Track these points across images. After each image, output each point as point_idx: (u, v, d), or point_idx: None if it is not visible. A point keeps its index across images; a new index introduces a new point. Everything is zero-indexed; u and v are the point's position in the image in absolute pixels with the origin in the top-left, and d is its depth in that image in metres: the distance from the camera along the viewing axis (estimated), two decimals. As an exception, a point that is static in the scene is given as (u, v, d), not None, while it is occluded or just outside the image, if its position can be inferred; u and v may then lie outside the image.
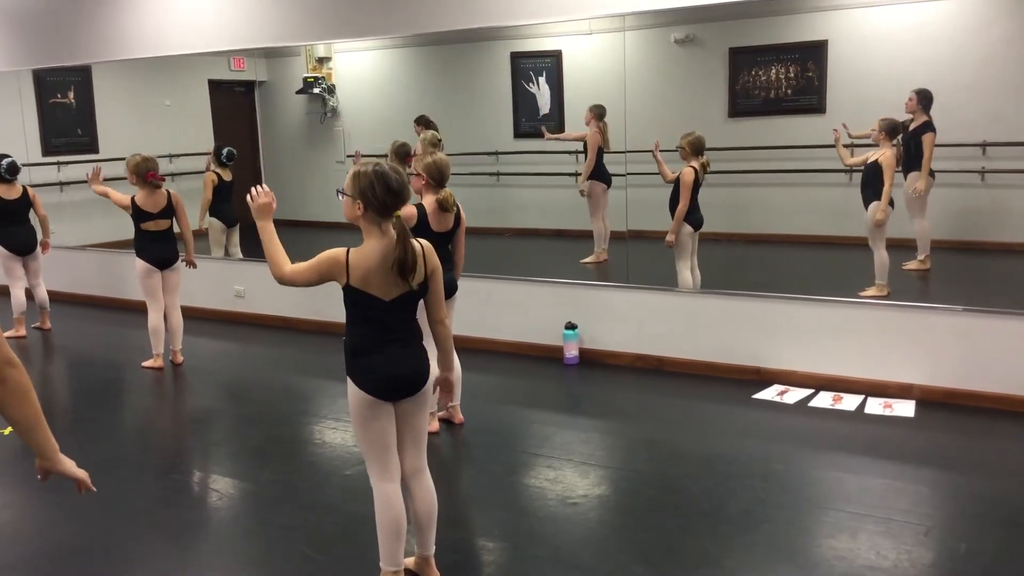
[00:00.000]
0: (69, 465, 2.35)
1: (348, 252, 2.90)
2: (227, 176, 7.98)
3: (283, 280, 3.00)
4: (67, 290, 8.76)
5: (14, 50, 8.68)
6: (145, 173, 6.02)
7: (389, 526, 3.05)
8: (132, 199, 6.10)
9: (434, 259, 3.01)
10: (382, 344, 2.95)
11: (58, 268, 8.83)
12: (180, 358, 6.34)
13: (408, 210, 4.30)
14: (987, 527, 3.61)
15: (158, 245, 6.16)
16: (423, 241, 3.01)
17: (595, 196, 7.42)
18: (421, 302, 3.06)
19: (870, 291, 5.80)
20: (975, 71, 6.58)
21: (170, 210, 6.15)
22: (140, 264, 6.16)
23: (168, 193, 6.14)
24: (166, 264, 6.20)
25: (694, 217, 6.15)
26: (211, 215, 7.97)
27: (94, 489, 2.48)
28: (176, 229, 6.25)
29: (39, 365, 6.78)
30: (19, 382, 2.06)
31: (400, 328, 2.98)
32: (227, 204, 8.00)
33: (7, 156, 7.41)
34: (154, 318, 6.20)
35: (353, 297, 2.93)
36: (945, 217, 6.43)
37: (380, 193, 2.83)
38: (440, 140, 5.80)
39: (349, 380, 2.99)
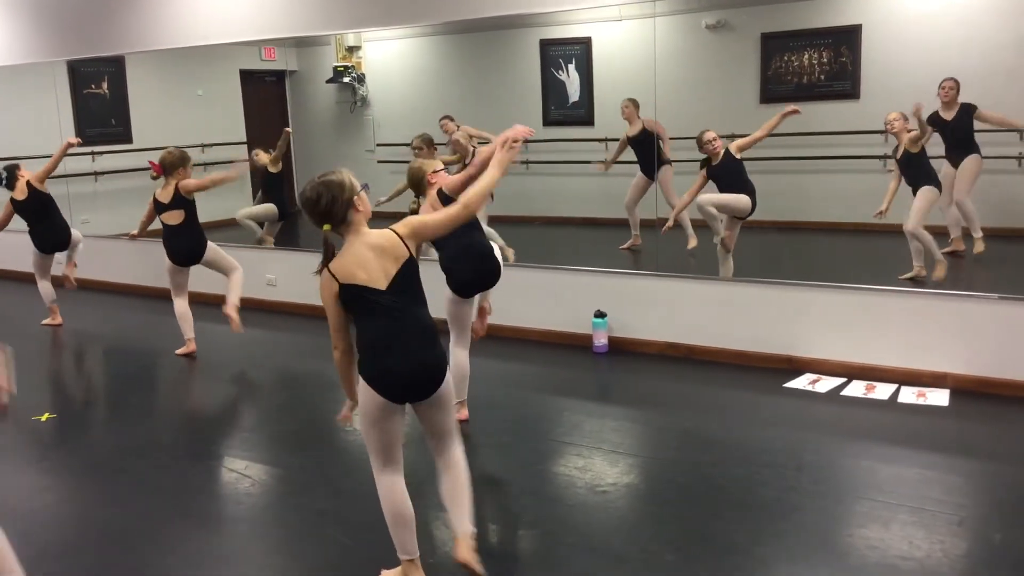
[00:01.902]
0: None
1: (327, 267, 2.93)
2: (275, 168, 8.08)
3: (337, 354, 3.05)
4: (102, 278, 8.88)
5: (49, 41, 8.79)
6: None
7: (391, 517, 3.06)
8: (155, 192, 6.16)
9: (409, 230, 2.97)
10: (383, 344, 2.92)
11: (93, 257, 8.95)
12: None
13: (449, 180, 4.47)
14: (1022, 517, 3.57)
15: (175, 240, 6.13)
16: (382, 230, 2.96)
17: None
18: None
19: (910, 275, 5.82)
20: (1012, 54, 6.47)
21: (179, 201, 6.02)
22: (165, 259, 6.23)
23: (176, 184, 6.02)
24: (187, 260, 6.16)
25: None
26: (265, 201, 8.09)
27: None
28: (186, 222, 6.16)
29: (74, 353, 6.89)
30: None
31: (404, 319, 2.93)
32: (281, 196, 8.13)
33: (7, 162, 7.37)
34: (179, 305, 6.26)
35: (344, 300, 2.92)
36: (982, 203, 6.33)
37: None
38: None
39: (360, 379, 2.97)
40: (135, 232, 6.85)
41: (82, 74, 9.33)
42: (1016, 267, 5.94)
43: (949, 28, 6.82)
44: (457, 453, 3.14)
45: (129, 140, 9.37)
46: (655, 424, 4.88)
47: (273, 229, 8.47)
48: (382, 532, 3.57)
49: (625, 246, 7.47)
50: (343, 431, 4.96)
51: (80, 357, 6.78)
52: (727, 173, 6.25)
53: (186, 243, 6.13)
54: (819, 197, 7.50)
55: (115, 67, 9.26)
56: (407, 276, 2.92)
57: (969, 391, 4.98)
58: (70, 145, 7.10)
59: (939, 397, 4.92)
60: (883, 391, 5.04)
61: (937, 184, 5.98)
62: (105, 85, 9.48)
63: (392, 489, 3.05)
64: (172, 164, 6.01)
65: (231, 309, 6.10)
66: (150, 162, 6.12)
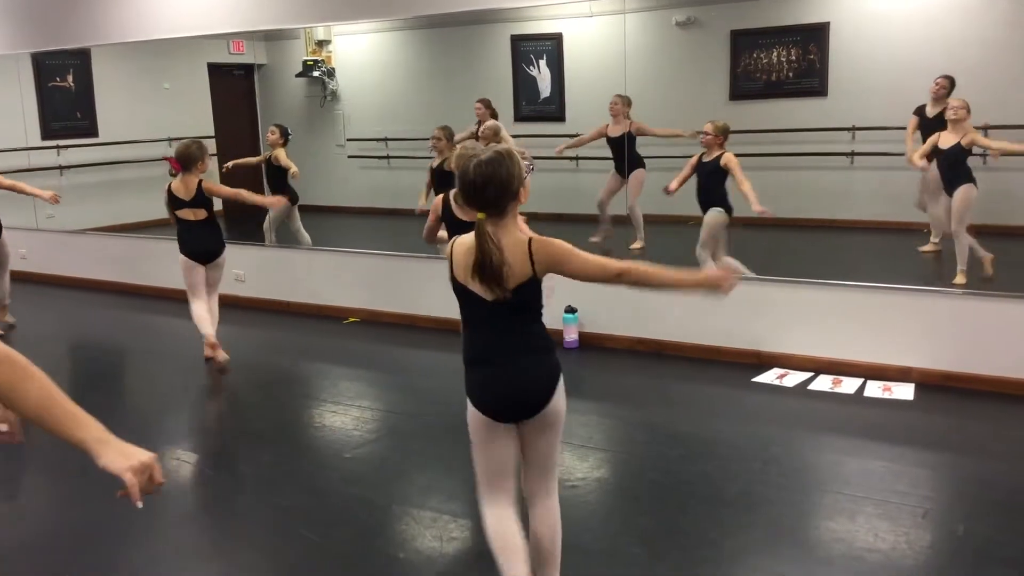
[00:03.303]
0: (120, 460, 1.84)
1: (454, 240, 2.64)
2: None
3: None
4: (67, 274, 8.77)
5: (12, 33, 8.66)
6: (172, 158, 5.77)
7: (498, 550, 2.69)
8: (168, 185, 5.77)
9: (536, 257, 2.54)
10: (484, 358, 2.64)
11: (58, 252, 8.84)
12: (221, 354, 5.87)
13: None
14: (985, 509, 3.62)
15: (194, 236, 5.80)
16: (522, 239, 2.57)
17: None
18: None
19: (959, 279, 5.68)
20: (978, 53, 6.56)
21: (201, 199, 5.73)
22: (181, 258, 5.84)
23: (200, 181, 5.73)
24: (206, 258, 5.85)
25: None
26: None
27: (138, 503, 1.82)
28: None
29: (37, 350, 6.79)
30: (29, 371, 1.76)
31: (509, 333, 2.61)
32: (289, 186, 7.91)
33: None
34: (197, 307, 5.85)
35: (455, 291, 2.64)
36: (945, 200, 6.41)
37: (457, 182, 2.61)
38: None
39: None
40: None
41: (47, 67, 9.19)
42: (980, 263, 6.00)
43: (916, 26, 6.91)
44: (552, 504, 2.77)
45: (95, 134, 9.26)
46: (625, 419, 4.90)
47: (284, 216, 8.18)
48: (351, 529, 3.57)
49: (595, 239, 7.48)
50: (313, 428, 4.94)
51: (43, 353, 6.68)
52: (706, 174, 6.06)
53: (208, 240, 5.84)
54: (787, 193, 7.56)
55: (80, 60, 9.14)
56: (531, 287, 2.56)
57: (934, 385, 5.04)
58: (47, 198, 6.76)
59: (904, 391, 4.98)
60: (849, 385, 5.10)
61: (975, 181, 5.82)
62: (70, 78, 9.36)
63: (496, 525, 2.70)
64: (192, 158, 5.69)
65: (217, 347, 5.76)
66: (167, 159, 5.82)
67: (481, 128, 6.82)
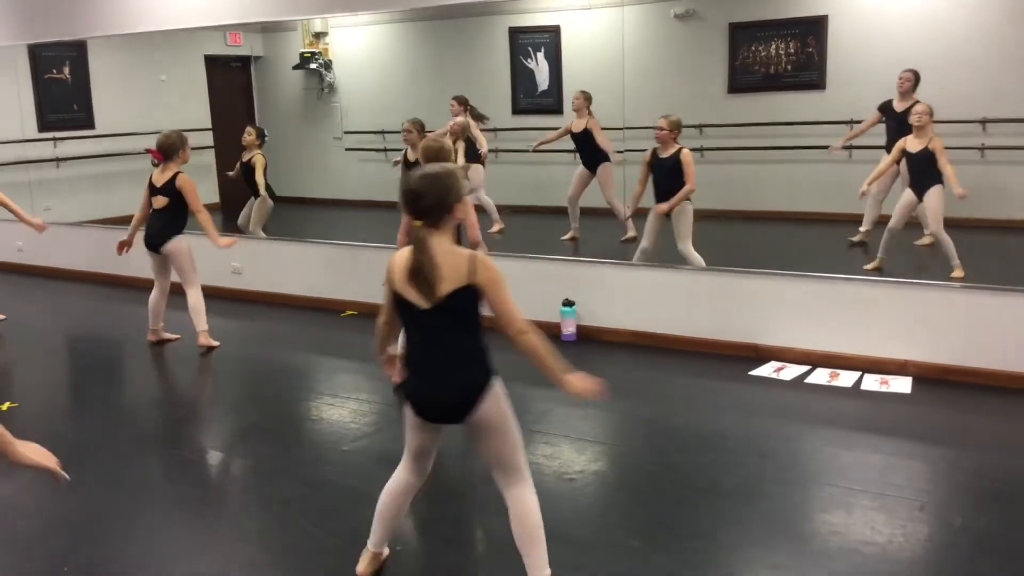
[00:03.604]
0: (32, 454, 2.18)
1: (393, 255, 2.83)
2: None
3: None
4: (63, 266, 8.75)
5: (8, 25, 8.62)
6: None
7: (379, 505, 3.05)
8: (151, 175, 5.98)
9: (477, 270, 2.72)
10: (417, 362, 2.82)
11: (54, 244, 8.82)
12: (163, 336, 6.25)
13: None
14: (982, 502, 3.63)
15: (150, 223, 6.01)
16: (461, 251, 2.76)
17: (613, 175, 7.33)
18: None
19: (957, 273, 5.70)
20: (976, 47, 6.56)
21: (169, 188, 5.88)
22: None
23: (177, 173, 5.87)
24: (149, 246, 6.00)
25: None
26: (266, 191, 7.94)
27: (65, 476, 2.31)
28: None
29: (36, 341, 6.78)
30: None
31: (440, 343, 2.78)
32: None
33: None
34: (152, 295, 6.14)
35: (393, 302, 2.82)
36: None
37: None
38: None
39: None
40: (126, 240, 6.23)
41: (43, 59, 9.17)
42: (978, 257, 6.02)
43: (914, 20, 6.90)
44: (518, 493, 2.91)
45: (91, 126, 9.23)
46: (622, 412, 4.90)
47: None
48: (348, 521, 3.56)
49: (567, 237, 7.49)
50: (311, 420, 4.94)
51: (42, 346, 6.67)
52: (668, 170, 6.05)
53: (155, 228, 5.97)
54: (785, 186, 7.57)
55: (77, 52, 9.11)
56: (464, 298, 2.73)
57: (931, 379, 5.04)
58: (35, 226, 6.84)
59: (902, 384, 4.98)
60: (847, 379, 5.10)
61: (942, 182, 5.87)
62: (67, 70, 9.33)
63: (394, 480, 3.02)
64: (171, 148, 5.87)
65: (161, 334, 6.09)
66: (148, 150, 5.95)
67: (450, 124, 6.88)
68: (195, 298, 6.07)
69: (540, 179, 8.65)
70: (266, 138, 7.89)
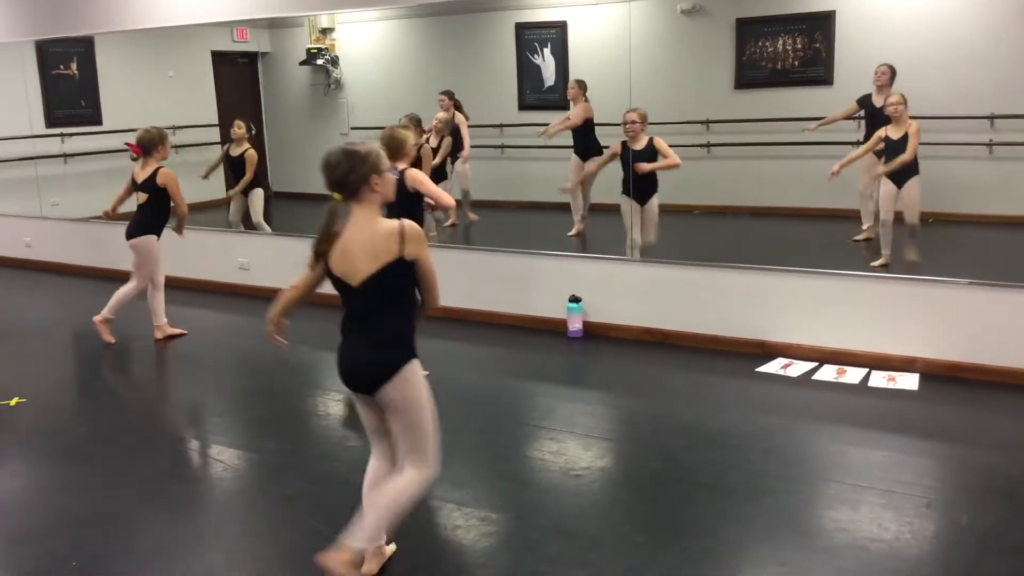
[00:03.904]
0: None
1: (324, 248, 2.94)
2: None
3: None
4: (71, 262, 8.78)
5: (16, 21, 8.64)
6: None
7: (363, 499, 3.11)
8: (132, 171, 6.08)
9: (406, 243, 2.80)
10: (345, 332, 2.95)
11: (62, 240, 8.85)
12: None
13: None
14: (989, 499, 3.62)
15: (133, 216, 6.13)
16: (389, 225, 2.83)
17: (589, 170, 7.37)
18: None
19: (883, 261, 5.87)
20: (984, 43, 6.53)
21: (149, 184, 5.95)
22: None
23: (157, 169, 5.95)
24: (126, 237, 6.13)
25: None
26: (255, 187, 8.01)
27: None
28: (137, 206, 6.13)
29: (44, 337, 6.80)
30: None
31: (366, 318, 2.89)
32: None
33: None
34: (129, 287, 6.23)
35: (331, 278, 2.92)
36: (951, 190, 6.40)
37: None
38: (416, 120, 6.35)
39: None
40: (108, 209, 6.46)
41: (51, 55, 9.18)
42: (985, 253, 6.00)
43: (922, 15, 6.87)
44: (406, 472, 2.96)
45: (99, 122, 9.24)
46: (628, 408, 4.90)
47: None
48: (351, 517, 3.57)
49: (572, 233, 7.48)
50: (316, 416, 4.95)
51: (50, 341, 6.69)
52: (650, 162, 6.16)
53: (135, 218, 6.10)
54: (792, 182, 7.54)
55: (84, 47, 9.12)
56: (387, 277, 2.82)
57: (939, 375, 5.03)
58: None
59: (909, 381, 4.97)
60: (854, 375, 5.09)
61: (919, 172, 5.95)
62: (74, 66, 9.34)
63: (367, 470, 3.13)
64: (151, 143, 5.94)
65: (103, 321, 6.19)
66: (128, 144, 6.04)
67: (435, 121, 6.93)
68: (128, 289, 6.19)
69: (546, 175, 8.64)
70: (252, 132, 7.98)
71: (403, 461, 2.99)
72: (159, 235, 6.13)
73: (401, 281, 2.87)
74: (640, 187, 6.16)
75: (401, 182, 4.65)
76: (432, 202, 4.80)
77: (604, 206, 7.47)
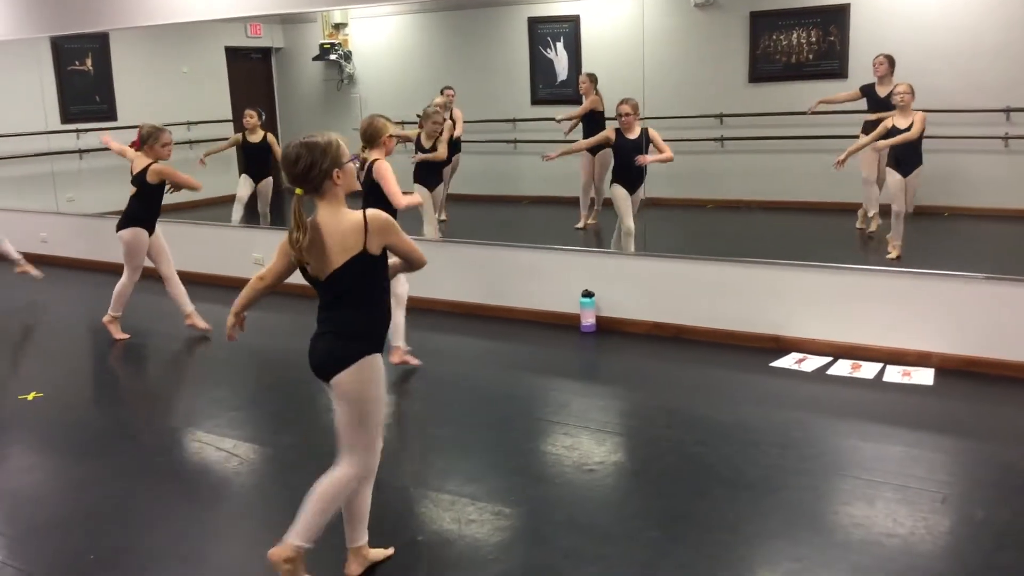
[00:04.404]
0: None
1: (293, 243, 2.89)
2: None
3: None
4: (87, 257, 8.83)
5: (31, 17, 8.69)
6: None
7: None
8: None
9: (370, 233, 2.77)
10: (317, 322, 2.94)
11: (78, 236, 8.90)
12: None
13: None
14: (1005, 494, 3.61)
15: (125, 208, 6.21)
16: (352, 217, 2.79)
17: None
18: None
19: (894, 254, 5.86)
20: (999, 35, 6.48)
21: (139, 179, 6.00)
22: None
23: (150, 163, 5.98)
24: (117, 228, 6.22)
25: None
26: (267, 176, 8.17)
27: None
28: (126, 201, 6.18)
29: (61, 332, 6.85)
30: None
31: (332, 309, 2.89)
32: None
33: None
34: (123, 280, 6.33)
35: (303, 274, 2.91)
36: (967, 184, 6.36)
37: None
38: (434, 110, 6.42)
39: None
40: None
41: (66, 51, 9.23)
42: (1001, 247, 5.97)
43: (937, 8, 6.83)
44: (339, 466, 2.98)
45: (114, 117, 9.29)
46: (642, 403, 4.90)
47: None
48: (369, 511, 3.58)
49: (580, 226, 7.49)
50: (331, 411, 4.95)
51: (67, 336, 6.74)
52: (636, 153, 6.20)
53: (123, 212, 6.19)
54: (807, 176, 7.51)
55: (99, 44, 9.16)
56: (352, 272, 2.79)
57: (954, 370, 5.01)
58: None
59: (924, 376, 4.95)
60: (869, 370, 5.07)
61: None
62: (89, 62, 9.39)
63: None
64: (146, 137, 6.00)
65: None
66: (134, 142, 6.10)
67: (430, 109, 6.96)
68: (123, 283, 6.28)
69: (559, 169, 8.63)
70: (263, 119, 8.15)
71: (340, 455, 2.99)
72: (149, 229, 6.16)
73: (367, 274, 2.83)
74: (635, 177, 6.21)
75: (369, 173, 4.69)
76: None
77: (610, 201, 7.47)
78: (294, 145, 2.76)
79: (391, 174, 4.72)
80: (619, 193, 6.30)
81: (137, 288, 6.39)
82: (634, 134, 6.16)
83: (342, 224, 2.78)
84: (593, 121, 7.46)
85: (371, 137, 4.73)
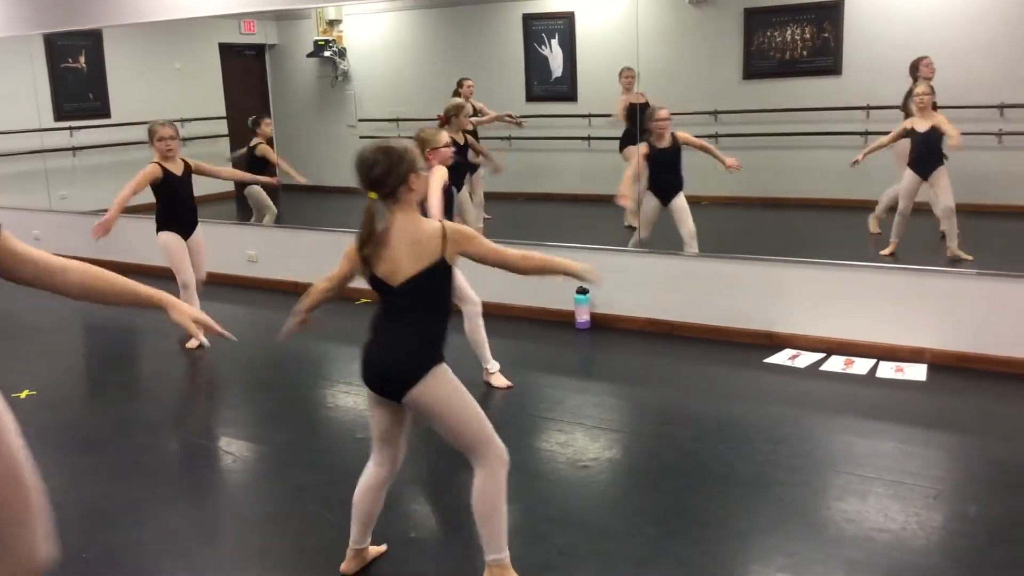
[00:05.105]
0: (187, 308, 2.41)
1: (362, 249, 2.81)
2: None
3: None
4: (80, 255, 8.80)
5: (25, 14, 8.66)
6: None
7: (353, 500, 3.06)
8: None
9: (448, 243, 2.74)
10: (376, 329, 2.85)
11: (71, 233, 8.88)
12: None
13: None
14: (997, 490, 3.62)
15: None
16: (430, 225, 2.77)
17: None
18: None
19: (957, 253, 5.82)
20: (994, 31, 6.49)
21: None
22: None
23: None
24: None
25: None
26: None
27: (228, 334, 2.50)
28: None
29: (54, 330, 6.84)
30: (83, 267, 2.27)
31: (400, 318, 2.80)
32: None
33: None
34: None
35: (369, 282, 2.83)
36: (961, 180, 6.36)
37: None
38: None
39: None
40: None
41: (59, 48, 9.20)
42: (994, 243, 5.98)
43: (931, 5, 6.83)
44: (477, 472, 2.89)
45: (107, 115, 9.27)
46: (636, 400, 4.91)
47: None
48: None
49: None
50: (325, 408, 4.97)
51: (60, 334, 6.73)
52: (670, 161, 6.05)
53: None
54: (800, 173, 7.52)
55: (92, 41, 9.14)
56: (428, 280, 2.74)
57: (947, 366, 5.02)
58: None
59: (917, 372, 4.96)
60: (862, 366, 5.09)
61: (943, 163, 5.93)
62: (82, 59, 9.36)
63: (364, 473, 3.03)
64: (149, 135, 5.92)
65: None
66: None
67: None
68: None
69: (555, 166, 8.64)
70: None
71: (471, 461, 2.92)
72: (169, 229, 6.03)
73: (440, 283, 2.79)
74: (674, 183, 6.07)
75: None
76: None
77: (605, 197, 7.46)
78: (371, 150, 2.72)
79: (436, 186, 4.49)
80: (648, 203, 6.17)
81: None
82: (665, 142, 6.03)
83: (419, 231, 2.75)
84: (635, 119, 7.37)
85: (421, 148, 4.53)
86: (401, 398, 2.79)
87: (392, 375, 2.79)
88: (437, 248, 2.72)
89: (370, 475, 3.02)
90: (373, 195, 2.72)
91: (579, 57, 8.33)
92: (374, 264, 2.75)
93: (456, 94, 7.65)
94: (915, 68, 6.25)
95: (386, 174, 2.70)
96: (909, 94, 6.32)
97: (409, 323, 2.79)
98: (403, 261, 2.72)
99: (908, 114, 6.17)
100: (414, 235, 2.74)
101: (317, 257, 7.32)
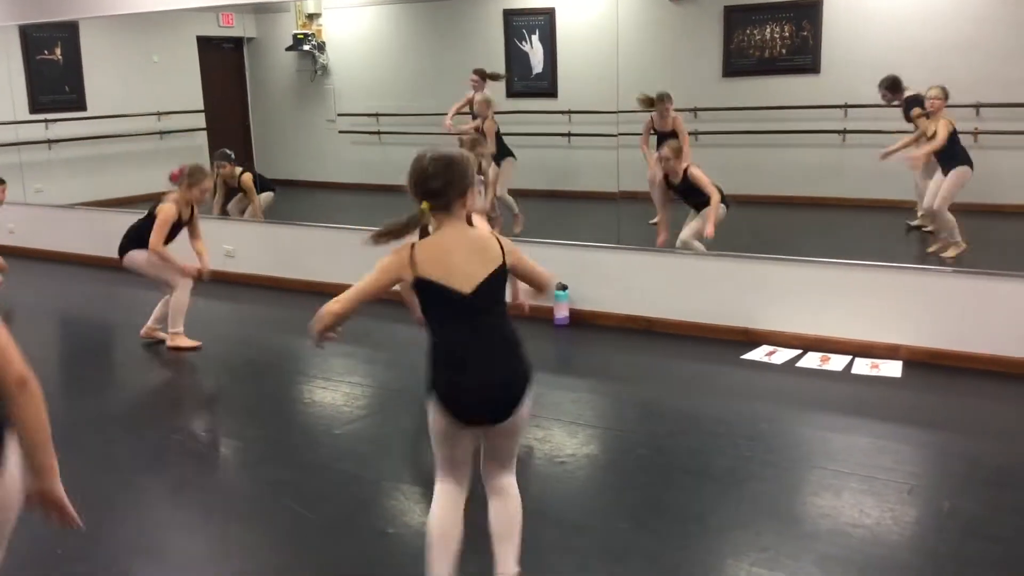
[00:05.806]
0: (61, 492, 2.32)
1: (414, 244, 2.62)
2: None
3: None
4: (56, 248, 8.73)
5: (0, 6, 8.56)
6: None
7: (435, 539, 2.72)
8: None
9: (504, 250, 2.63)
10: (458, 352, 2.61)
11: (46, 227, 8.80)
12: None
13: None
14: (971, 486, 3.65)
15: None
16: (486, 231, 2.75)
17: None
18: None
19: (952, 252, 5.87)
20: (969, 31, 6.55)
21: (152, 209, 5.79)
22: None
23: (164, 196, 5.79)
24: None
25: None
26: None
27: (80, 524, 2.33)
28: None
29: (27, 324, 6.77)
30: (34, 398, 2.15)
31: (487, 327, 2.62)
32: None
33: None
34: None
35: (419, 293, 2.61)
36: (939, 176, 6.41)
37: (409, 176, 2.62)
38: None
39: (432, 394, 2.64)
40: None
41: (35, 40, 9.10)
42: (972, 241, 6.02)
43: (909, 4, 6.89)
44: (510, 480, 2.79)
45: (83, 108, 9.18)
46: (614, 396, 4.92)
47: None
48: (340, 504, 3.57)
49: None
50: (302, 403, 4.94)
51: (33, 328, 6.66)
52: (692, 191, 6.03)
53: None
54: (778, 171, 7.56)
55: (69, 33, 9.04)
56: (499, 282, 2.61)
57: (922, 363, 5.06)
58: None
59: (892, 368, 5.00)
60: (837, 362, 5.12)
61: (971, 163, 5.96)
62: (58, 51, 9.26)
63: (436, 503, 2.73)
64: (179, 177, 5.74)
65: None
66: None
67: (476, 101, 6.78)
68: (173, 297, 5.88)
69: (534, 162, 8.62)
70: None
71: (498, 474, 2.77)
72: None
73: (503, 287, 2.66)
74: (692, 204, 6.11)
75: None
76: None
77: (592, 194, 7.47)
78: (431, 159, 2.56)
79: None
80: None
81: (114, 280, 6.30)
82: (678, 178, 6.01)
83: (479, 237, 2.65)
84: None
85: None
86: (509, 416, 2.63)
87: (507, 394, 2.63)
88: (499, 254, 2.61)
89: (452, 499, 2.74)
90: (426, 205, 2.58)
91: (559, 53, 8.33)
92: (426, 270, 2.56)
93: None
94: (917, 102, 6.23)
95: (447, 186, 2.56)
96: (908, 103, 6.34)
97: (499, 332, 2.65)
98: (472, 265, 2.57)
99: (908, 120, 6.22)
100: (474, 242, 2.63)
101: (294, 252, 7.29)
